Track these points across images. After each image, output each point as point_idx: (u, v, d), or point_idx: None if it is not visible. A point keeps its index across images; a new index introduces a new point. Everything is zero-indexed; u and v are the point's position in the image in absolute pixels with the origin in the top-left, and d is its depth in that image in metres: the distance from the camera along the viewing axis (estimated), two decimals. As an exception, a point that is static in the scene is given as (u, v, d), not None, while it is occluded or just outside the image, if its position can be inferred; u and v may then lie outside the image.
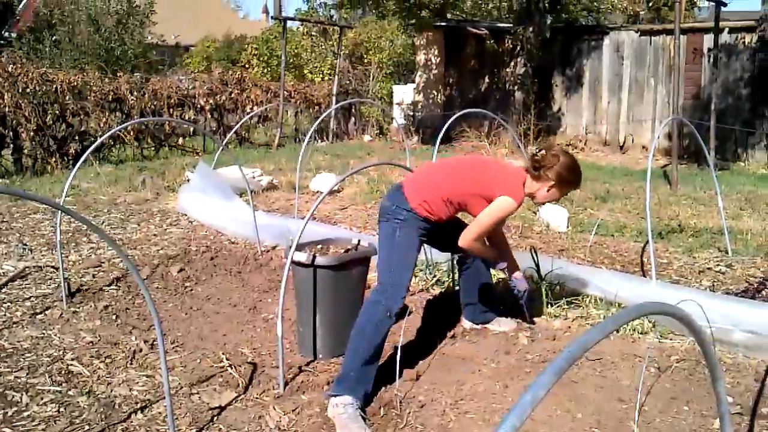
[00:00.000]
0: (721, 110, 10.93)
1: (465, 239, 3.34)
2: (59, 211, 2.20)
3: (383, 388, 3.24)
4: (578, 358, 1.06)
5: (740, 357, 3.60)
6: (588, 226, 6.19)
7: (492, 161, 3.77)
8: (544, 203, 3.42)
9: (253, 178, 8.07)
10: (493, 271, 4.06)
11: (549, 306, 4.18)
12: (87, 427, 2.91)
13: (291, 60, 18.09)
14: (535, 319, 4.05)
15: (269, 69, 19.75)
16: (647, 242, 4.65)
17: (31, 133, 9.55)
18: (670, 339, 3.82)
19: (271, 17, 26.19)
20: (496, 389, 3.27)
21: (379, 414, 3.06)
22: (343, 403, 2.95)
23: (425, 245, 3.79)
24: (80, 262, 5.26)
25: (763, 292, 4.31)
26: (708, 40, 11.52)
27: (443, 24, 14.20)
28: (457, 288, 4.48)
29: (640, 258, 5.38)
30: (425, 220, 3.30)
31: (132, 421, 2.98)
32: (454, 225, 3.49)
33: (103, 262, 5.23)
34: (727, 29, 11.51)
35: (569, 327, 3.99)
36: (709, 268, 5.10)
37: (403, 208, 3.26)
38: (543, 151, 3.38)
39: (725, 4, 9.78)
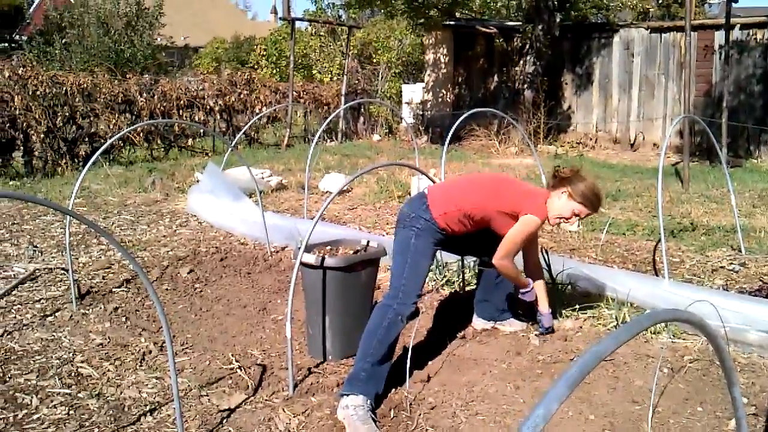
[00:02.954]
0: (733, 107, 10.84)
1: (497, 258, 3.43)
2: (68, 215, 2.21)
3: (393, 389, 3.22)
4: (592, 368, 1.03)
5: (755, 357, 3.56)
6: (599, 225, 6.15)
7: (517, 180, 3.89)
8: (558, 223, 3.51)
9: (262, 178, 8.07)
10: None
11: (560, 306, 4.14)
12: (96, 430, 2.91)
13: (299, 60, 18.09)
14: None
15: (278, 69, 19.78)
16: (659, 241, 4.60)
17: (42, 136, 9.58)
18: (683, 339, 3.77)
19: (280, 18, 26.22)
20: (507, 391, 3.24)
21: (389, 416, 3.03)
22: (354, 405, 2.93)
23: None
24: (90, 263, 5.26)
25: (778, 291, 4.25)
26: (719, 36, 11.43)
27: (452, 23, 14.16)
28: (467, 288, 4.46)
29: (653, 257, 5.33)
30: (442, 231, 3.36)
31: (141, 424, 2.97)
32: (471, 235, 3.53)
33: (113, 264, 5.23)
34: (738, 26, 11.41)
35: (581, 327, 3.95)
36: (722, 267, 5.04)
37: (422, 217, 3.32)
38: (568, 169, 3.53)
39: (736, 0, 9.68)
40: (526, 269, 3.76)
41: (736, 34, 11.39)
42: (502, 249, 3.42)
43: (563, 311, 4.12)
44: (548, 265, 4.47)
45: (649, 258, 5.33)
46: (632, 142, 12.86)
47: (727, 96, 9.70)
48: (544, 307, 3.78)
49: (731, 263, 5.09)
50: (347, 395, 2.98)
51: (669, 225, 6.12)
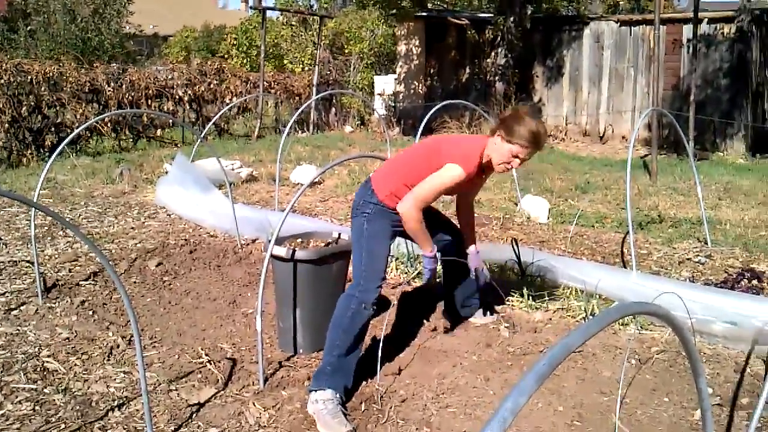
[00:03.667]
0: (700, 101, 11.00)
1: (403, 203, 3.12)
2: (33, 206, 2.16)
3: (364, 382, 3.22)
4: (561, 361, 1.03)
5: (720, 348, 3.62)
6: (568, 217, 6.20)
7: (451, 137, 3.69)
8: (505, 169, 3.21)
9: (233, 169, 7.99)
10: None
11: (530, 298, 4.18)
12: (63, 426, 2.86)
13: (270, 50, 17.93)
14: (516, 311, 4.05)
15: (249, 59, 19.57)
16: (627, 233, 4.66)
17: (6, 125, 9.39)
18: (651, 330, 3.83)
19: (251, 7, 25.95)
20: (477, 383, 3.26)
21: (360, 409, 3.03)
22: (323, 399, 2.92)
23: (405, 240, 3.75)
24: (56, 256, 5.17)
25: (742, 283, 4.33)
26: (687, 30, 11.58)
27: (424, 14, 14.13)
28: (438, 280, 4.47)
29: (621, 249, 5.39)
30: (394, 211, 3.20)
31: (109, 419, 2.93)
32: (431, 217, 3.42)
33: (79, 257, 5.15)
34: (706, 20, 11.57)
35: (550, 319, 3.99)
36: (688, 259, 5.13)
37: (370, 202, 3.22)
38: (509, 110, 3.36)
39: (704, -5, 9.81)
40: (458, 209, 3.72)
41: (703, 28, 11.55)
42: (411, 193, 3.11)
43: (533, 303, 4.15)
44: (518, 257, 4.51)
45: (617, 250, 5.39)
46: (601, 135, 12.99)
47: (695, 89, 9.84)
48: (471, 247, 3.68)
49: (697, 255, 5.18)
50: (315, 391, 2.97)
51: (637, 217, 6.20)
